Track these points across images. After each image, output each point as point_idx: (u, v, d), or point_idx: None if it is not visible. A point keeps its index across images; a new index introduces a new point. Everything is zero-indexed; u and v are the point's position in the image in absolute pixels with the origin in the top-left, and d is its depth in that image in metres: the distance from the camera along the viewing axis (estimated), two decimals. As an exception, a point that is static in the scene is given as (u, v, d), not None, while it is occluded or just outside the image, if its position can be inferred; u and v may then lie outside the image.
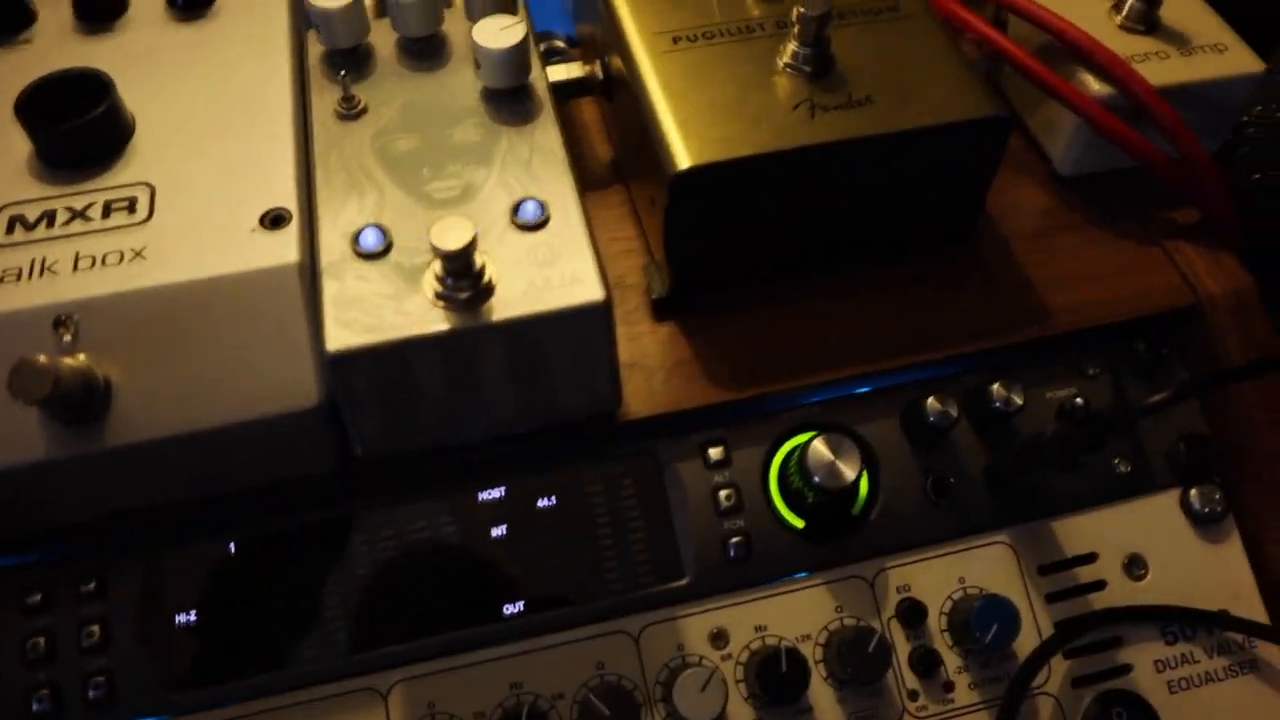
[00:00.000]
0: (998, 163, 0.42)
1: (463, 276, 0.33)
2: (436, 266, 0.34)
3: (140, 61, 0.42)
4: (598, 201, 0.47)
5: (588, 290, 0.34)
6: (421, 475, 0.40)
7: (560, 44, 0.51)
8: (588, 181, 0.46)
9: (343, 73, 0.40)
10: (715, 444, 0.41)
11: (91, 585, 0.38)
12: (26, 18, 0.43)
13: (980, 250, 0.45)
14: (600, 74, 0.46)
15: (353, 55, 0.42)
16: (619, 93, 0.45)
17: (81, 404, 0.33)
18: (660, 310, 0.43)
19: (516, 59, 0.39)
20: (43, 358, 0.31)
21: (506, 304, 0.34)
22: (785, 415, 0.42)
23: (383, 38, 0.43)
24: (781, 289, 0.43)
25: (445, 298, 0.34)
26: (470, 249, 0.32)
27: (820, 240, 0.43)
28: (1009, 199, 0.47)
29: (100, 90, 0.38)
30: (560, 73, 0.45)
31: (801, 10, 0.39)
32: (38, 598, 0.37)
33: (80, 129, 0.37)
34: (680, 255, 0.41)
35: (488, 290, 0.34)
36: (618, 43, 0.43)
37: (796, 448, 0.40)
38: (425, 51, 0.42)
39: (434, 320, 0.33)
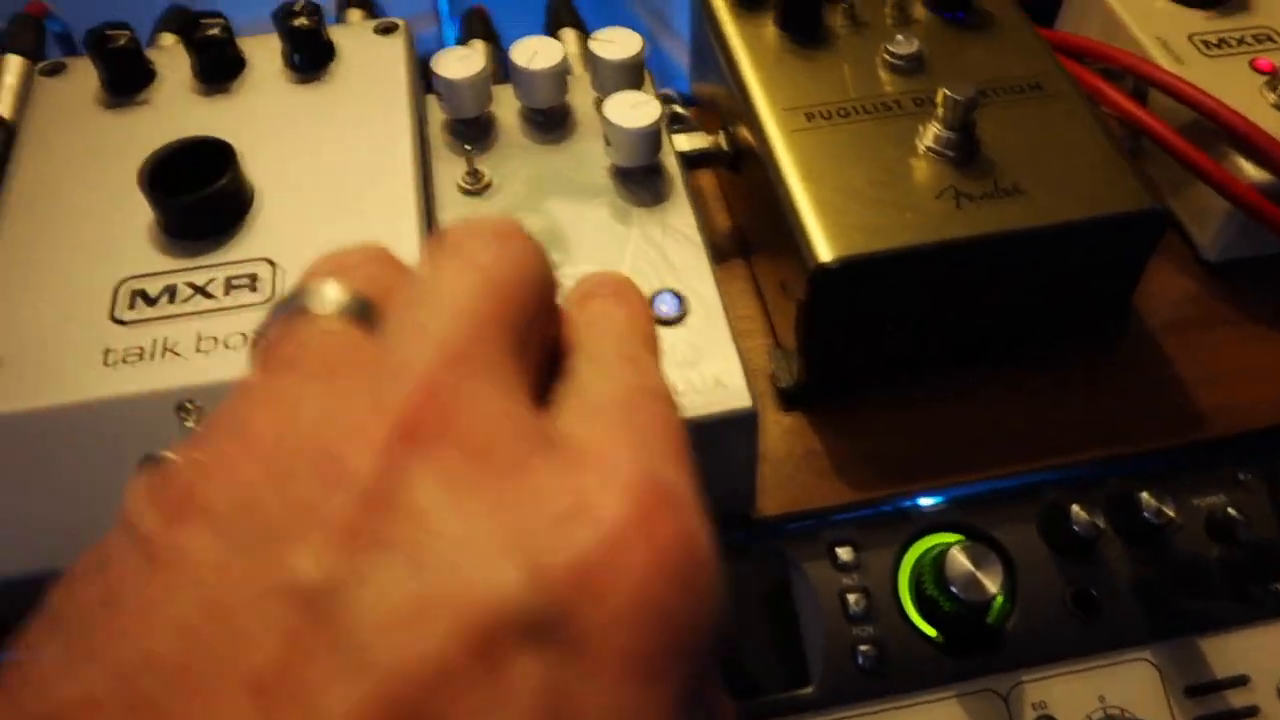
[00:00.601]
0: (1148, 256, 0.40)
1: (602, 378, 0.32)
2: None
3: (259, 124, 0.41)
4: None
5: (734, 396, 0.32)
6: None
7: (678, 108, 0.49)
8: (705, 254, 0.45)
9: (468, 147, 0.38)
10: (844, 544, 0.39)
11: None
12: (147, 76, 0.42)
13: (1124, 344, 0.43)
14: (726, 145, 0.44)
15: (475, 124, 0.41)
16: (746, 165, 0.43)
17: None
18: (788, 399, 0.41)
19: (650, 139, 0.37)
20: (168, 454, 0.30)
21: (647, 408, 0.32)
22: (917, 514, 0.40)
23: (505, 106, 0.41)
24: (915, 381, 0.41)
25: (582, 399, 0.32)
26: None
27: (958, 333, 0.41)
28: (1152, 286, 0.45)
29: (223, 160, 0.37)
30: (685, 143, 0.43)
31: (948, 94, 0.37)
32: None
33: (203, 201, 0.36)
34: (814, 347, 0.39)
35: (626, 392, 0.32)
36: (748, 117, 0.41)
37: (931, 551, 0.38)
38: (550, 122, 0.41)
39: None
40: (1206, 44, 0.47)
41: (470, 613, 0.14)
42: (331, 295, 0.20)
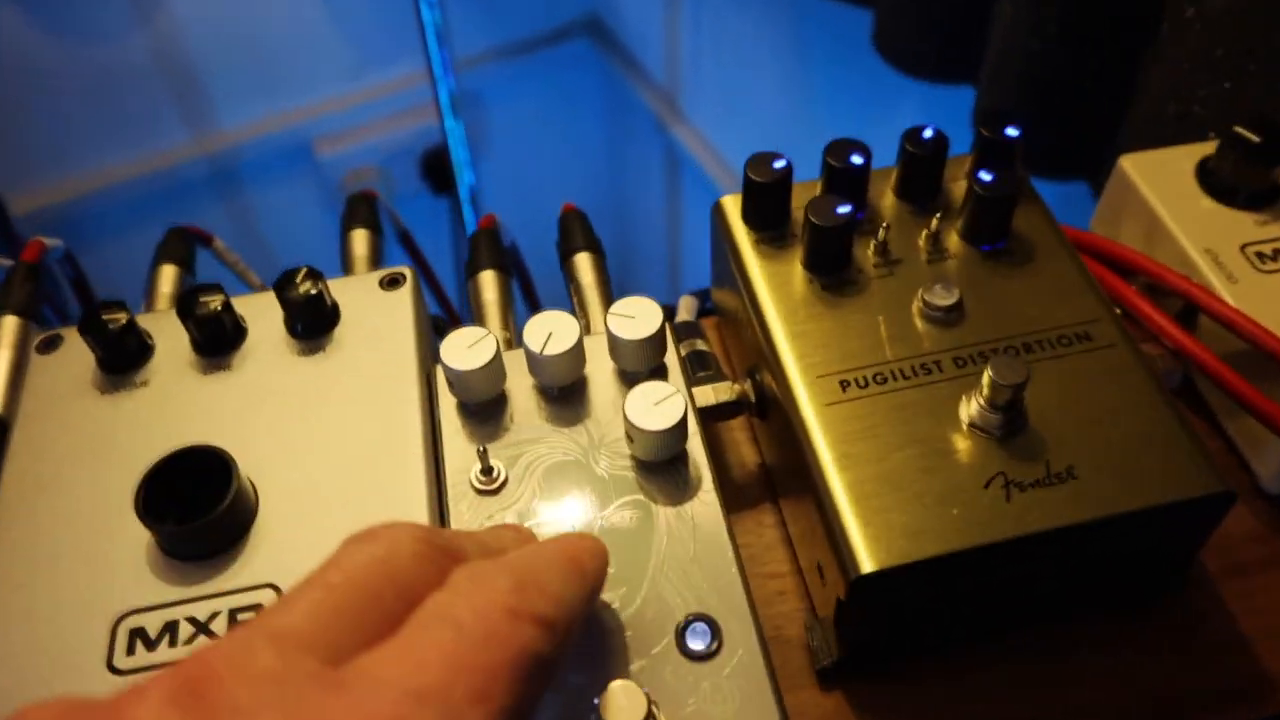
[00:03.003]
0: (1213, 530, 0.37)
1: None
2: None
3: (261, 404, 0.39)
4: (742, 524, 0.43)
5: (773, 757, 0.30)
6: None
7: (700, 344, 0.45)
8: (729, 497, 0.42)
9: (481, 448, 0.36)
10: (891, 843, 0.37)
11: None
12: (144, 353, 0.40)
13: (1181, 595, 0.40)
14: (752, 394, 0.41)
15: (486, 404, 0.38)
16: (773, 414, 0.41)
17: None
18: (826, 678, 0.39)
19: (675, 436, 0.35)
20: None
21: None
22: (967, 804, 0.37)
23: (517, 380, 0.39)
24: (961, 655, 0.39)
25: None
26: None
27: (1006, 613, 0.39)
28: (1208, 524, 0.42)
29: (223, 473, 0.35)
30: (709, 396, 0.41)
31: (994, 379, 0.35)
32: None
33: (202, 528, 0.34)
34: (853, 638, 0.37)
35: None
36: (777, 377, 0.38)
37: None
38: (565, 399, 0.38)
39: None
40: (1260, 256, 0.44)
41: None
42: None
